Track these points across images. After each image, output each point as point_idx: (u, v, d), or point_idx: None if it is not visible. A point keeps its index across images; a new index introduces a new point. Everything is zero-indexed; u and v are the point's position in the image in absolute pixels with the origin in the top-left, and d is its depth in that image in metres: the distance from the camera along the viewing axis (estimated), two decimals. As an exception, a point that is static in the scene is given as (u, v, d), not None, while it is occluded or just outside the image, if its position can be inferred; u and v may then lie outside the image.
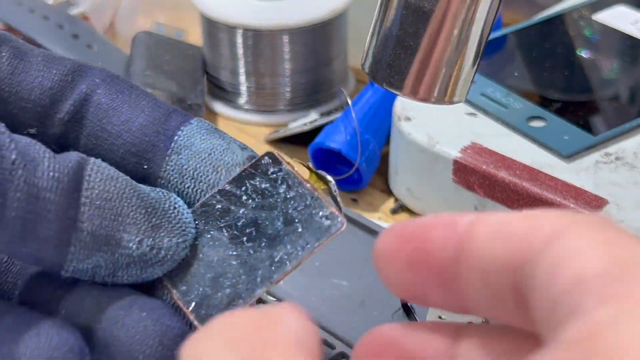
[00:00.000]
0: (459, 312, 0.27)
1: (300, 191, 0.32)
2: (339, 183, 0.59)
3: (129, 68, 0.65)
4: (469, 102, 0.56)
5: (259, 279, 0.31)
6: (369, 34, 0.42)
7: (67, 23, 0.70)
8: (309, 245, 0.31)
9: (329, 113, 0.64)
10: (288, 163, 0.34)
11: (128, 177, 0.31)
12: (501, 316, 0.25)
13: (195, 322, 0.31)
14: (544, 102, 0.57)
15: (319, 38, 0.65)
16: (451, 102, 0.42)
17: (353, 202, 0.59)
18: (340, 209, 0.32)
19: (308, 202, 0.32)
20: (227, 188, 0.33)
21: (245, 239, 0.32)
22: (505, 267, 0.24)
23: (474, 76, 0.42)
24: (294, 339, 0.23)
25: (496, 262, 0.24)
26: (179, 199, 0.32)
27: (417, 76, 0.41)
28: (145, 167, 0.34)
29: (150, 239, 0.31)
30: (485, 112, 0.56)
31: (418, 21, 0.40)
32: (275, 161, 0.33)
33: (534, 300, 0.23)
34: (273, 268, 0.31)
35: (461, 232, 0.25)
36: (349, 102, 0.60)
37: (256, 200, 0.33)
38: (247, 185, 0.33)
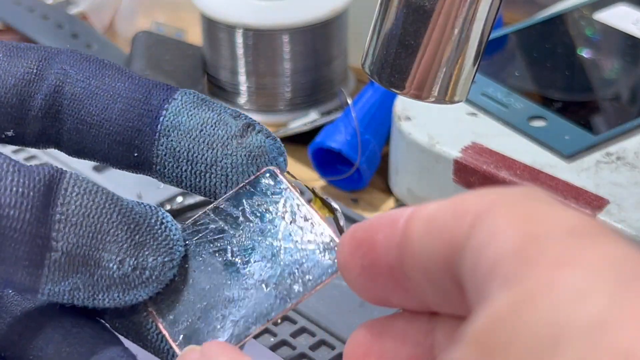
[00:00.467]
0: (421, 309, 0.26)
1: (303, 218, 0.29)
2: (339, 183, 0.59)
3: (129, 67, 0.65)
4: (469, 101, 0.56)
5: (254, 316, 0.28)
6: (369, 34, 0.42)
7: (67, 22, 0.70)
8: (311, 283, 0.28)
9: (329, 113, 0.64)
10: (290, 183, 0.30)
11: (109, 191, 0.29)
12: (455, 310, 0.25)
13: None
14: (545, 102, 0.57)
15: (319, 38, 0.65)
16: (452, 102, 0.42)
17: (353, 202, 0.59)
18: None
19: (312, 233, 0.29)
20: (222, 206, 0.30)
21: (241, 267, 0.29)
22: (442, 260, 0.23)
23: (474, 76, 0.42)
24: None
25: (433, 257, 0.23)
26: (167, 214, 0.30)
27: (418, 75, 0.41)
28: (136, 154, 0.31)
29: (133, 259, 0.28)
30: (486, 111, 0.56)
31: (419, 20, 0.40)
32: (276, 180, 0.30)
33: (466, 288, 0.22)
34: (272, 305, 0.28)
35: (400, 231, 0.24)
36: (349, 102, 0.60)
37: (254, 223, 0.30)
38: (245, 205, 0.30)
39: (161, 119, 0.31)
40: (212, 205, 0.31)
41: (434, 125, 0.55)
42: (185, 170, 0.31)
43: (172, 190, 0.59)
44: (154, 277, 0.29)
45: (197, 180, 0.31)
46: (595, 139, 0.53)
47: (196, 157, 0.31)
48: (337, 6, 0.65)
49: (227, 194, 0.31)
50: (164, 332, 0.29)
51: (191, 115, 0.31)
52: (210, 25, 0.66)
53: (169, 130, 0.31)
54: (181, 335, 0.29)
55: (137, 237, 0.28)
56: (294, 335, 0.45)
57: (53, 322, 0.30)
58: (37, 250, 0.27)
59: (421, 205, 0.24)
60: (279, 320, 0.46)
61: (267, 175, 0.31)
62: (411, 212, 0.24)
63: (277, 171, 0.31)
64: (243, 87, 0.66)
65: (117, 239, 0.28)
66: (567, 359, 0.17)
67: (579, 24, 0.65)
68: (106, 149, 0.31)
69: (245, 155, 0.31)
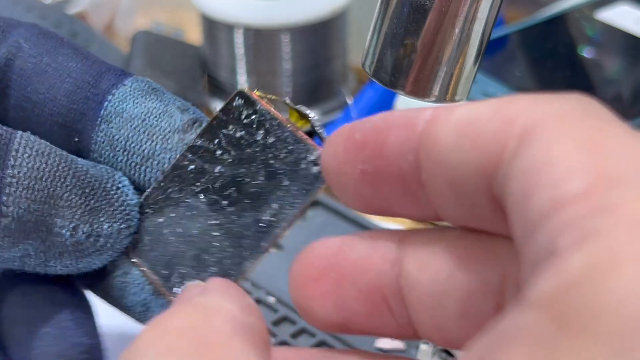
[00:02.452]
0: (429, 221, 0.23)
1: (280, 134, 0.28)
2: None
3: (128, 67, 0.65)
4: (470, 101, 0.56)
5: (246, 250, 0.27)
6: (370, 33, 0.42)
7: (66, 22, 0.70)
8: (298, 201, 0.26)
9: (329, 113, 0.64)
10: (263, 101, 0.29)
11: (64, 152, 0.27)
12: (478, 224, 0.22)
13: None
14: (546, 102, 0.56)
15: (319, 37, 0.65)
16: (452, 101, 0.42)
17: (353, 203, 0.59)
18: None
19: (291, 147, 0.27)
20: (198, 144, 0.28)
21: (225, 202, 0.27)
22: (476, 172, 0.20)
23: (475, 75, 0.42)
24: (231, 330, 0.21)
25: (465, 167, 0.20)
26: (124, 177, 0.28)
27: (418, 75, 0.41)
28: (77, 139, 0.29)
29: (88, 225, 0.27)
30: (487, 111, 0.56)
31: (419, 19, 0.40)
32: (249, 101, 0.28)
33: (510, 217, 0.19)
34: (260, 234, 0.26)
35: (420, 135, 0.21)
36: (349, 101, 0.60)
37: (232, 153, 0.28)
38: (220, 136, 0.28)
39: (106, 103, 0.29)
40: (188, 144, 0.29)
41: (434, 125, 0.55)
42: (121, 161, 0.29)
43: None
44: (108, 245, 0.27)
45: (132, 172, 0.29)
46: (597, 139, 0.53)
47: (134, 147, 0.29)
48: (337, 6, 0.64)
49: (201, 128, 0.29)
50: (161, 289, 0.28)
51: (137, 103, 0.29)
52: (210, 25, 0.66)
53: (111, 117, 0.29)
54: (179, 290, 0.27)
55: (92, 202, 0.27)
56: (294, 335, 0.45)
57: (11, 284, 0.29)
58: None
59: (446, 106, 0.22)
60: (279, 323, 0.45)
61: (238, 98, 0.29)
62: (434, 113, 0.21)
63: (248, 91, 0.29)
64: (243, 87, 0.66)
65: (70, 204, 0.26)
66: None
67: (580, 23, 0.65)
68: (47, 130, 0.29)
69: None
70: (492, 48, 0.61)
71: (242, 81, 0.66)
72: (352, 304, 0.24)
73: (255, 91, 0.29)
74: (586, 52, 0.62)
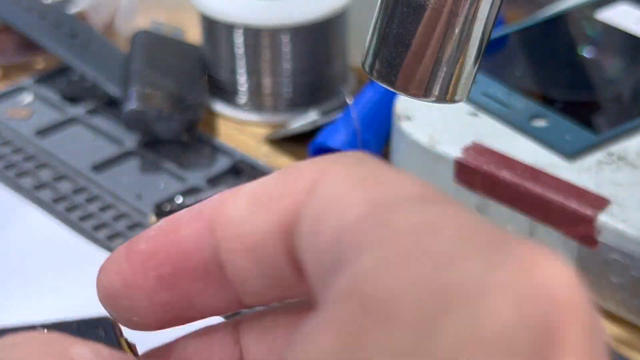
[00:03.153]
0: (234, 310, 0.24)
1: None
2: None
3: (128, 67, 0.65)
4: (470, 101, 0.56)
5: None
6: (370, 33, 0.42)
7: (66, 22, 0.70)
8: None
9: (329, 112, 0.64)
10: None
11: None
12: (283, 293, 0.23)
13: None
14: (546, 102, 0.56)
15: (319, 37, 0.65)
16: (452, 102, 0.42)
17: (353, 203, 0.59)
18: None
19: None
20: None
21: None
22: (273, 234, 0.21)
23: (475, 75, 0.42)
24: None
25: (263, 232, 0.21)
26: None
27: (418, 75, 0.41)
28: None
29: None
30: (487, 111, 0.56)
31: (419, 19, 0.40)
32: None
33: (305, 262, 0.20)
34: None
35: (208, 215, 0.22)
36: (349, 101, 0.60)
37: None
38: None
39: None
40: None
41: (434, 125, 0.55)
42: None
43: (172, 190, 0.59)
44: None
45: None
46: (597, 139, 0.53)
47: None
48: (337, 6, 0.64)
49: None
50: None
51: None
52: (210, 25, 0.66)
53: None
54: None
55: None
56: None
57: None
58: None
59: (233, 188, 0.22)
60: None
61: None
62: (221, 196, 0.22)
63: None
64: (243, 87, 0.66)
65: None
66: (455, 324, 0.17)
67: (580, 23, 0.65)
68: None
69: None
70: (492, 48, 0.61)
71: (242, 81, 0.66)
72: None
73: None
74: (586, 52, 0.62)
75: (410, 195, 0.20)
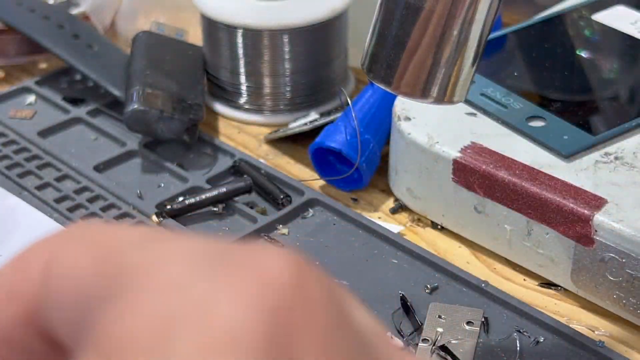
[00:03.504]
0: None
1: None
2: (339, 183, 0.60)
3: (129, 68, 0.65)
4: (468, 102, 0.56)
5: None
6: (369, 34, 0.42)
7: (68, 23, 0.70)
8: None
9: (329, 113, 0.64)
10: None
11: None
12: None
13: None
14: (544, 102, 0.57)
15: (319, 38, 0.65)
16: (451, 102, 0.42)
17: (353, 202, 0.59)
18: None
19: None
20: None
21: None
22: (21, 322, 0.22)
23: (473, 76, 0.42)
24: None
25: (10, 323, 0.22)
26: None
27: (417, 76, 0.41)
28: None
29: None
30: (485, 112, 0.56)
31: (417, 21, 0.40)
32: None
33: (59, 335, 0.21)
34: None
35: None
36: (349, 102, 0.60)
37: None
38: None
39: None
40: None
41: (433, 125, 0.55)
42: None
43: (172, 190, 0.59)
44: None
45: None
46: (594, 139, 0.53)
47: None
48: (337, 6, 0.65)
49: None
50: None
51: None
52: (211, 26, 0.66)
53: None
54: None
55: None
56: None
57: None
58: None
59: None
60: None
61: None
62: None
63: None
64: (243, 87, 0.67)
65: None
66: (187, 336, 0.18)
67: (577, 24, 0.65)
68: None
69: None
70: (490, 49, 0.61)
71: (243, 81, 0.66)
72: None
73: None
74: (584, 53, 0.62)
75: (131, 240, 0.21)
